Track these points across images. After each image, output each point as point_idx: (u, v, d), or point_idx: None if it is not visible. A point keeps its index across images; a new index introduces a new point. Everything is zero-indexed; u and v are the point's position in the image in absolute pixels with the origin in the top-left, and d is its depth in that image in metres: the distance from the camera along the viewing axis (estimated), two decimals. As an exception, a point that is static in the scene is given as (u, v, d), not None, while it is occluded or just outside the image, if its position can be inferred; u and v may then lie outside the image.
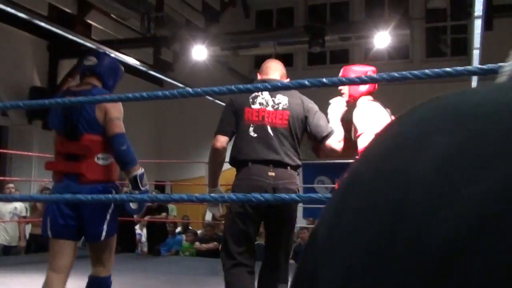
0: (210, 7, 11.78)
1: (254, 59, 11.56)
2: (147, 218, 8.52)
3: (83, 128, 2.73)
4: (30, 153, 8.07)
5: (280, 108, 2.74)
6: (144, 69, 9.14)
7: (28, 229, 7.88)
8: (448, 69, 1.45)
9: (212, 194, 1.51)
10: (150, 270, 6.29)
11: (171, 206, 9.43)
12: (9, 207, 7.31)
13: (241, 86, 1.70)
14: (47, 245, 2.88)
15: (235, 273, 2.67)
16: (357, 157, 0.27)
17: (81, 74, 2.98)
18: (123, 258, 6.82)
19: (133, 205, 2.78)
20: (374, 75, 1.35)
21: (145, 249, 8.81)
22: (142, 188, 2.74)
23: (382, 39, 8.32)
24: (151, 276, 5.70)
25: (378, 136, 0.27)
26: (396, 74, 1.44)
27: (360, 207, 0.24)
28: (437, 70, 1.42)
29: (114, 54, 8.47)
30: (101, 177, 2.73)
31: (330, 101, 2.99)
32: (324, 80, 1.46)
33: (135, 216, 7.05)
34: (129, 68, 9.85)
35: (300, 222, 8.66)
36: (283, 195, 1.81)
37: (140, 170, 2.75)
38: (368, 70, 2.97)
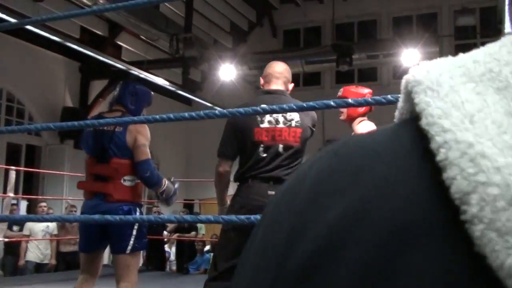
0: (238, 27, 11.91)
1: (282, 78, 11.58)
2: (175, 236, 8.56)
3: (113, 153, 2.99)
4: (62, 173, 8.22)
5: (293, 125, 2.65)
6: (173, 89, 9.27)
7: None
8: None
9: (238, 216, 1.51)
10: (178, 289, 6.29)
11: (200, 225, 9.46)
12: (41, 225, 7.44)
13: (266, 107, 1.71)
14: (75, 263, 3.08)
15: (212, 286, 2.57)
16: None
17: (110, 104, 3.28)
18: (152, 276, 6.85)
19: (161, 205, 3.11)
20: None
21: (174, 267, 8.84)
22: (168, 199, 3.16)
23: (411, 56, 8.28)
24: (179, 295, 5.70)
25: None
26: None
27: (264, 232, 0.29)
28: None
29: (143, 74, 8.62)
30: (126, 197, 2.97)
31: None
32: (350, 100, 1.46)
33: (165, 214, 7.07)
34: (158, 88, 10.02)
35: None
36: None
37: (163, 187, 3.10)
38: (366, 92, 3.15)
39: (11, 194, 6.32)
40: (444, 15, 11.13)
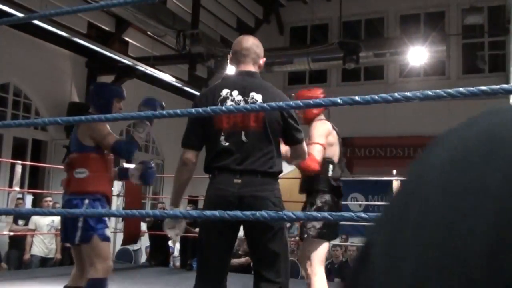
0: (245, 24, 11.91)
1: (288, 75, 11.59)
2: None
3: (72, 149, 3.22)
4: (67, 167, 8.24)
5: None
6: (179, 85, 9.29)
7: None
8: (483, 87, 1.43)
9: (236, 212, 1.49)
10: (182, 284, 6.30)
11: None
12: (46, 219, 7.47)
13: (273, 104, 1.72)
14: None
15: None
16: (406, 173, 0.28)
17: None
18: (155, 272, 6.87)
19: (133, 179, 3.37)
20: (407, 94, 1.35)
21: (178, 263, 8.85)
22: (145, 176, 3.42)
23: (418, 55, 8.25)
24: (183, 291, 5.71)
25: (428, 157, 0.27)
26: (430, 93, 1.42)
27: (424, 223, 0.24)
28: (472, 88, 1.40)
29: (150, 70, 8.64)
30: (78, 188, 3.13)
31: None
32: (357, 98, 1.46)
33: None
34: (164, 84, 10.04)
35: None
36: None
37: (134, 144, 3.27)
38: (319, 93, 3.40)
39: (17, 188, 6.35)
40: (452, 14, 11.08)
